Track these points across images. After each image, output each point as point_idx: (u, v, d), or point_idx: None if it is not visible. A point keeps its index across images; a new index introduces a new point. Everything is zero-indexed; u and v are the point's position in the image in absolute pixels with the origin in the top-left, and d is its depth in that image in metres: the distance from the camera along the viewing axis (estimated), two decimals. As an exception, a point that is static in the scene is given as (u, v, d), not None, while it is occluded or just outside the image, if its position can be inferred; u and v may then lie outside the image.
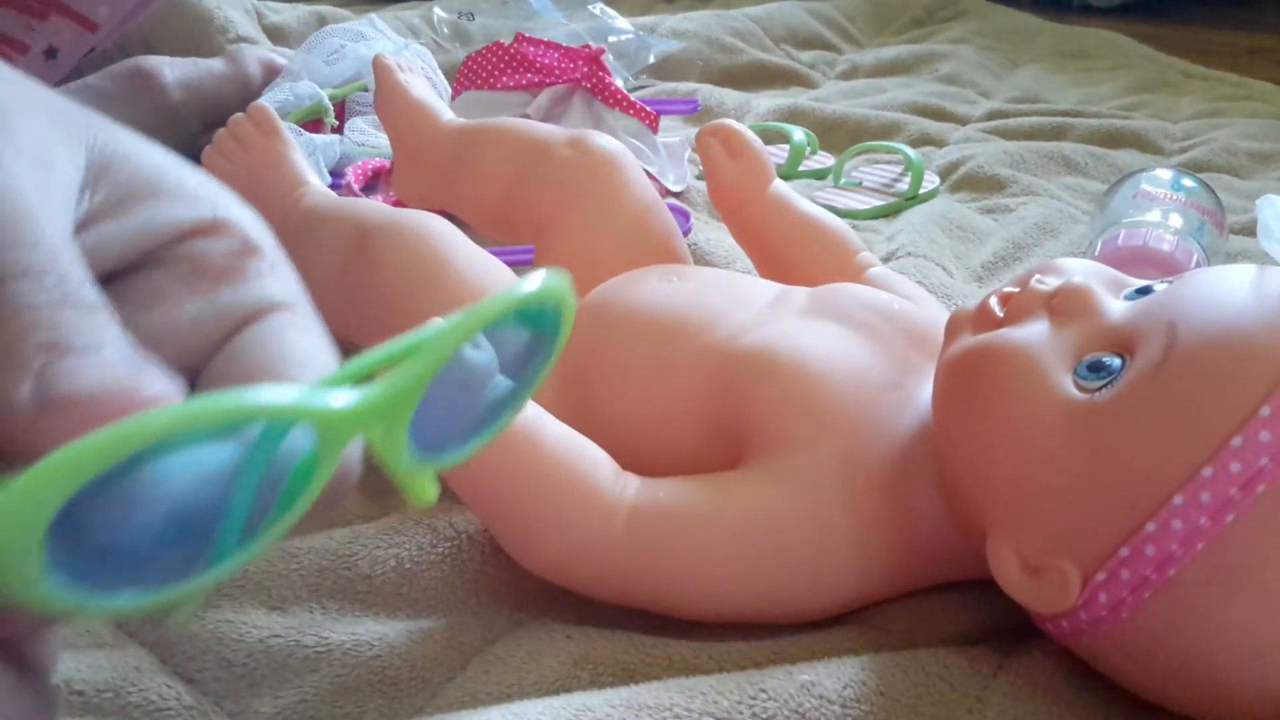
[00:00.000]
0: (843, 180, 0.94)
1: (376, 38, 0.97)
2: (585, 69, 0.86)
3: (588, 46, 0.88)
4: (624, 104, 0.86)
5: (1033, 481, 0.39)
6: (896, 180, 0.93)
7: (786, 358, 0.46)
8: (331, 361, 0.24)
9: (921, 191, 0.91)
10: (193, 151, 0.88)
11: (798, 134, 0.99)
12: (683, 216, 0.79)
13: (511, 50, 0.88)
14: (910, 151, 0.93)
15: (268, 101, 0.86)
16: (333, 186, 0.80)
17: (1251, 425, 0.35)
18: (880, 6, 1.51)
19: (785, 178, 0.94)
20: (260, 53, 0.97)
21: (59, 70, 0.77)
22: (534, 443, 0.43)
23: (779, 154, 0.99)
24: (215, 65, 0.92)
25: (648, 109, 0.86)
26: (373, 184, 0.82)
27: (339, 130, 0.87)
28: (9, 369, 0.19)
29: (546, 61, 0.87)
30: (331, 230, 0.58)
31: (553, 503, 0.43)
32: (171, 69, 0.88)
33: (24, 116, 0.22)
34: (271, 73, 0.94)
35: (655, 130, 0.87)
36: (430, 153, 0.65)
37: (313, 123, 0.87)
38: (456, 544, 0.48)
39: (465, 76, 0.89)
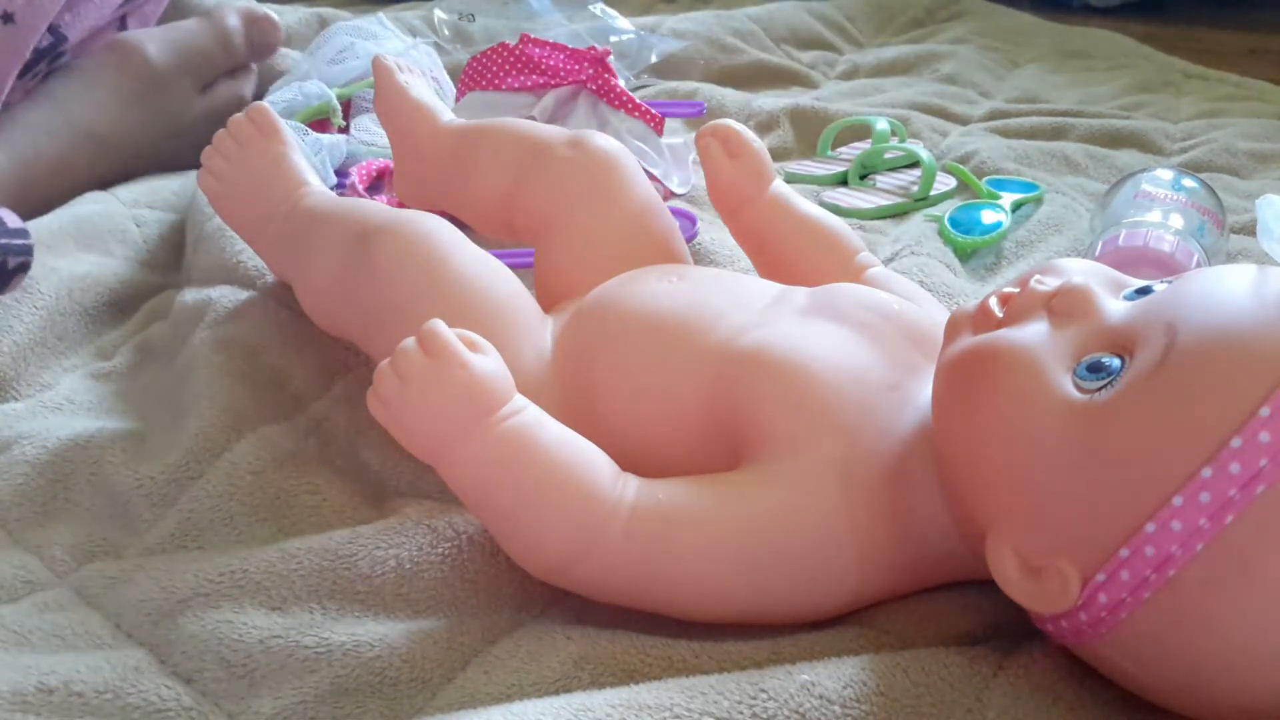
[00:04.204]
0: (858, 182, 0.94)
1: (386, 36, 0.97)
2: (590, 71, 0.86)
3: (593, 48, 0.88)
4: (629, 106, 0.86)
5: (1032, 482, 0.39)
6: (912, 184, 0.93)
7: (786, 358, 0.46)
8: None
9: (933, 193, 0.90)
10: (193, 118, 0.88)
11: (880, 123, 0.98)
12: (689, 220, 0.78)
13: (516, 51, 0.88)
14: (923, 152, 0.93)
15: (274, 101, 0.86)
16: (338, 186, 0.80)
17: (1251, 426, 0.35)
18: (880, 7, 1.50)
19: (872, 170, 0.94)
20: (239, 3, 0.95)
21: (20, 35, 0.76)
22: (534, 444, 0.43)
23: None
24: (191, 25, 0.90)
25: (653, 111, 0.86)
26: (377, 184, 0.82)
27: (346, 131, 0.87)
28: None
29: (552, 63, 0.87)
30: (331, 230, 0.58)
31: (552, 504, 0.43)
32: (149, 38, 0.87)
33: None
34: (253, 23, 0.93)
35: (660, 133, 0.87)
36: (430, 153, 0.65)
37: (319, 122, 0.87)
38: (456, 544, 0.48)
39: (470, 77, 0.89)
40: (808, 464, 0.43)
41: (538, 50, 0.88)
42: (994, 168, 0.96)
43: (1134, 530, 0.36)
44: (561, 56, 0.87)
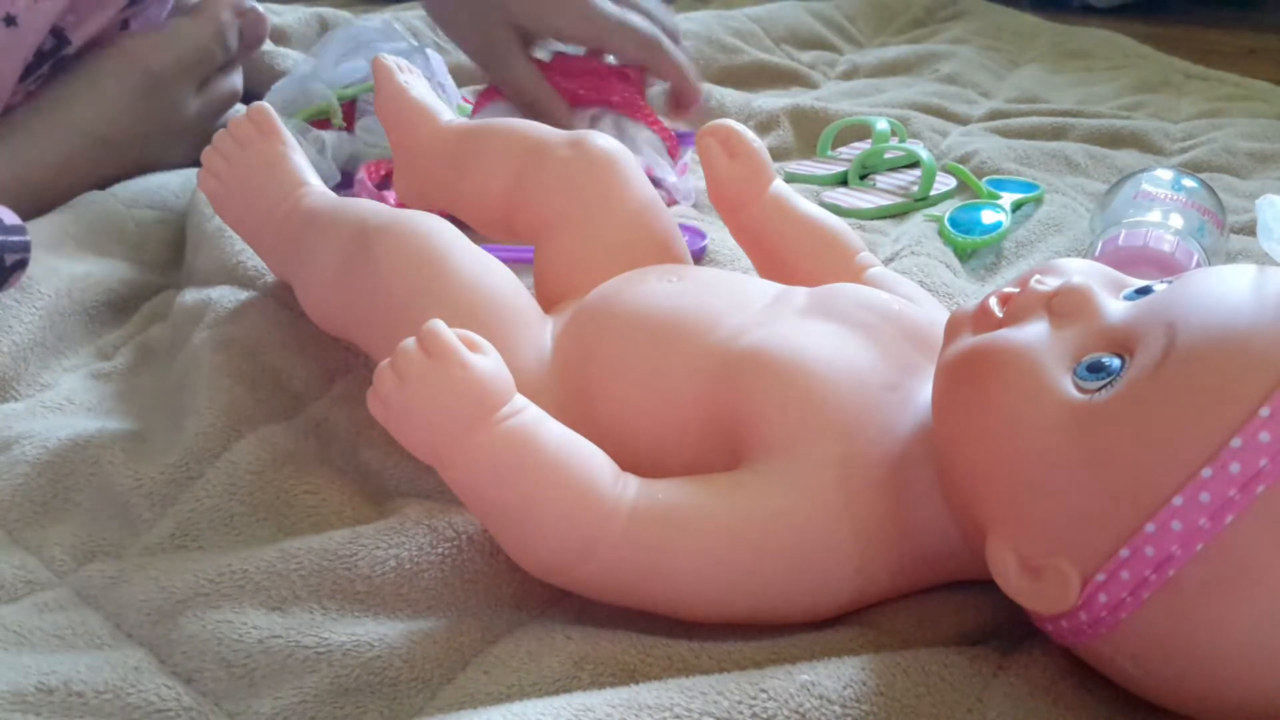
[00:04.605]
0: (858, 182, 0.94)
1: (391, 39, 0.97)
2: (621, 93, 0.86)
3: (626, 69, 0.87)
4: (649, 120, 0.85)
5: (1032, 482, 0.39)
6: (912, 184, 0.93)
7: (786, 358, 0.46)
8: None
9: (933, 193, 0.90)
10: (192, 115, 0.88)
11: (880, 123, 0.98)
12: (698, 235, 0.78)
13: (547, 68, 0.87)
14: (923, 152, 0.93)
15: (277, 99, 0.86)
16: (342, 186, 0.80)
17: (1251, 426, 0.35)
18: (880, 6, 1.50)
19: (872, 170, 0.94)
20: None
21: (24, 37, 0.76)
22: (534, 444, 0.43)
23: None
24: (186, 23, 0.90)
25: (670, 131, 0.86)
26: (385, 183, 0.82)
27: (349, 129, 0.87)
28: None
29: (581, 93, 0.86)
30: (331, 231, 0.58)
31: (552, 504, 0.43)
32: (149, 39, 0.87)
33: None
34: (243, 16, 0.93)
35: (675, 156, 0.86)
36: (430, 153, 0.65)
37: (319, 121, 0.87)
38: (456, 544, 0.48)
39: (494, 87, 0.89)
40: (807, 464, 0.43)
41: (565, 81, 0.87)
42: (994, 168, 0.96)
43: (1134, 530, 0.36)
44: (593, 79, 0.86)
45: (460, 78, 0.98)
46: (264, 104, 0.66)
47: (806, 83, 1.26)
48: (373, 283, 0.54)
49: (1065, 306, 0.41)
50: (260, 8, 0.94)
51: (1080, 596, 0.38)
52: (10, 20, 0.75)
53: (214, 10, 0.91)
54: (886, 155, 0.97)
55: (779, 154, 1.03)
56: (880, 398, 0.45)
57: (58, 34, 0.81)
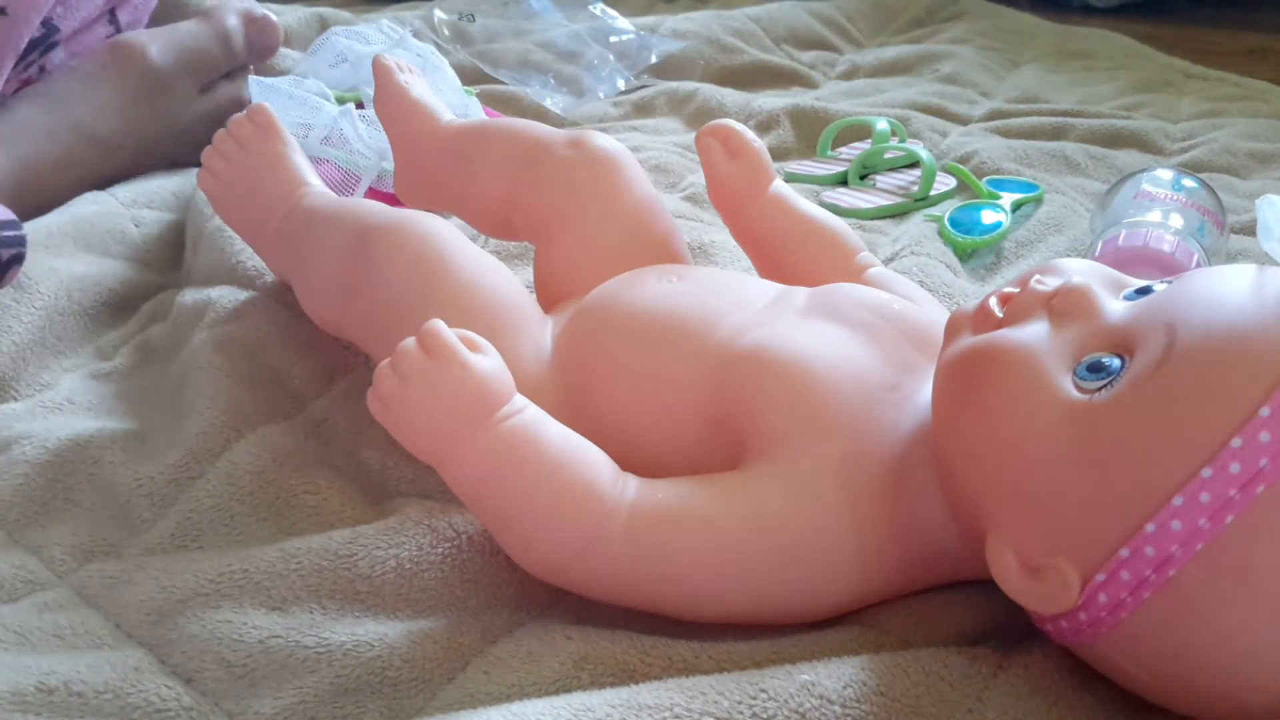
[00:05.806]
0: (857, 181, 0.94)
1: (378, 41, 0.96)
2: None
3: None
4: None
5: (1032, 482, 0.39)
6: (912, 184, 0.93)
7: (786, 358, 0.46)
8: None
9: (933, 193, 0.90)
10: (192, 119, 0.88)
11: (880, 123, 0.98)
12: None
13: None
14: (923, 152, 0.93)
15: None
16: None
17: (1251, 426, 0.35)
18: (880, 6, 1.50)
19: (872, 170, 0.94)
20: (238, 4, 0.94)
21: (15, 27, 0.76)
22: (534, 444, 0.43)
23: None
24: (191, 26, 0.90)
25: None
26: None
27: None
28: None
29: None
30: (331, 231, 0.58)
31: (552, 504, 0.43)
32: (151, 39, 0.87)
33: None
34: (252, 23, 0.92)
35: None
36: (430, 153, 0.65)
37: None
38: (456, 544, 0.48)
39: None
40: (807, 464, 0.43)
41: None
42: (994, 168, 0.96)
43: (1134, 530, 0.36)
44: None
45: (462, 78, 0.98)
46: (264, 104, 0.66)
47: (806, 83, 1.26)
48: (373, 283, 0.54)
49: (1065, 306, 0.41)
50: (272, 15, 0.94)
51: (1080, 596, 0.38)
52: (1, 9, 0.75)
53: (221, 15, 0.91)
54: (886, 155, 0.97)
55: (779, 154, 1.03)
56: (880, 397, 0.45)
57: (46, 23, 0.80)
